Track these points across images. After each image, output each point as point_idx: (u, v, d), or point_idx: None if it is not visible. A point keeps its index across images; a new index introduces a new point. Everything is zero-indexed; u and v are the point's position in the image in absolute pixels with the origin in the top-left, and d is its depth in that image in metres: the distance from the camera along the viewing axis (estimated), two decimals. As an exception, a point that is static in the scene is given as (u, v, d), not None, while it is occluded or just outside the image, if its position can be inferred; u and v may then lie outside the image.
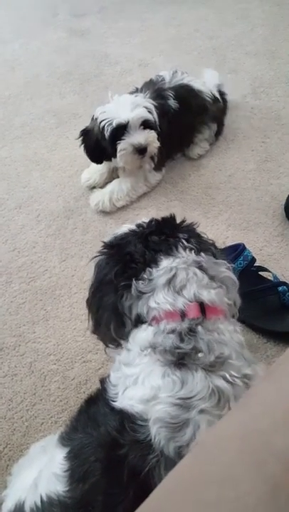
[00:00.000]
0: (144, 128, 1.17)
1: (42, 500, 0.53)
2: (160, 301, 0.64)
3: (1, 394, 0.96)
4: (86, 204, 1.32)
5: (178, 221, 0.76)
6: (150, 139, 1.17)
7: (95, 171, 1.34)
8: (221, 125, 1.43)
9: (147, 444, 0.51)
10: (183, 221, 0.76)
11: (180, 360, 0.57)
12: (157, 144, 1.20)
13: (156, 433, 0.51)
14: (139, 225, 0.75)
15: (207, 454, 0.31)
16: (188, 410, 0.52)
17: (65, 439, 0.58)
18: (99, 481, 0.50)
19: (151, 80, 1.34)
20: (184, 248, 0.69)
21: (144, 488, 0.47)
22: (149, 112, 1.18)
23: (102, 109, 1.19)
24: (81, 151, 1.46)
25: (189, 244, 0.69)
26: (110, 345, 0.73)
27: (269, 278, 1.06)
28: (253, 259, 1.02)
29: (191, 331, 0.59)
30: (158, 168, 1.32)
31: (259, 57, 1.79)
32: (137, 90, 1.30)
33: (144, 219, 0.77)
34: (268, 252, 1.16)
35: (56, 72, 1.80)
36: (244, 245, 1.03)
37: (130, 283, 0.66)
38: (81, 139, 1.24)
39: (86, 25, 2.07)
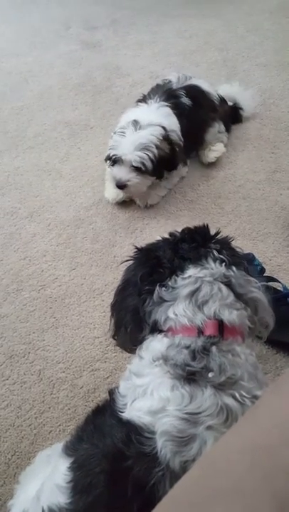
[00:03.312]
0: (136, 170, 1.19)
1: None
2: (179, 312, 0.63)
3: (10, 401, 0.96)
4: (96, 213, 1.33)
5: (212, 232, 0.75)
6: (132, 182, 1.21)
7: (118, 192, 1.32)
8: (228, 125, 1.46)
9: (153, 457, 0.50)
10: (217, 233, 0.75)
11: (190, 375, 0.56)
12: (142, 189, 1.25)
13: (163, 446, 0.51)
14: (171, 234, 0.75)
15: (215, 467, 0.31)
16: (195, 425, 0.52)
17: (69, 449, 0.58)
18: (103, 494, 0.50)
19: (158, 85, 1.37)
20: (214, 260, 0.67)
21: (149, 503, 0.46)
22: (151, 159, 1.18)
23: (121, 130, 1.21)
24: (92, 161, 1.49)
25: (221, 256, 0.68)
26: (128, 350, 0.73)
27: (279, 288, 1.06)
28: (263, 270, 1.02)
29: (205, 350, 0.58)
30: (184, 162, 1.34)
31: (269, 69, 1.80)
32: (144, 98, 1.33)
33: (179, 229, 0.77)
34: (277, 263, 1.15)
35: (68, 84, 1.84)
36: (253, 255, 1.03)
37: (154, 288, 0.66)
38: None
39: (98, 38, 2.11)
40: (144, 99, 1.33)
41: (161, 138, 1.19)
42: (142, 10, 2.30)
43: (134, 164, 1.17)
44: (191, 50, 1.97)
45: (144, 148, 1.17)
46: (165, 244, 0.72)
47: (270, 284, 1.06)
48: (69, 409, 0.93)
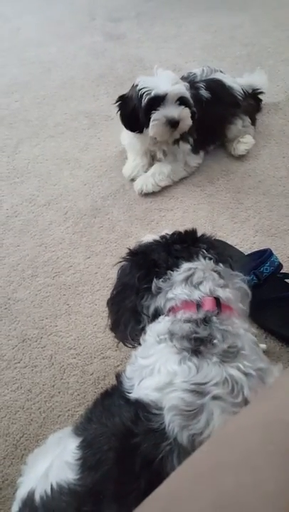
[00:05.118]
0: (180, 104, 1.21)
1: (52, 489, 0.53)
2: (177, 292, 0.67)
3: (21, 384, 0.97)
4: (113, 204, 1.33)
5: (199, 234, 0.80)
6: (183, 114, 1.21)
7: (136, 165, 1.38)
8: (253, 119, 1.45)
9: (161, 433, 0.51)
10: (203, 234, 0.80)
11: (196, 347, 0.58)
12: (190, 121, 1.25)
13: (171, 421, 0.51)
14: (162, 237, 0.79)
15: (227, 442, 0.30)
16: (202, 396, 0.53)
17: (79, 429, 0.59)
18: (111, 470, 0.50)
19: (182, 77, 1.38)
20: (204, 257, 0.73)
21: (156, 478, 0.47)
22: (187, 90, 1.23)
23: (144, 78, 1.24)
24: (111, 152, 1.49)
25: (209, 254, 0.73)
26: (128, 345, 0.76)
27: (295, 286, 1.04)
28: (280, 265, 1.00)
29: (206, 321, 0.61)
30: (196, 151, 1.35)
31: (295, 64, 1.77)
32: None
33: (168, 231, 0.81)
34: (295, 260, 1.13)
35: (91, 75, 1.84)
36: (271, 251, 1.02)
37: (151, 285, 0.70)
38: (118, 104, 1.30)
39: (122, 30, 2.10)
40: None
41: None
42: (167, 3, 2.29)
43: (183, 94, 1.20)
44: (215, 44, 1.95)
45: (178, 81, 1.22)
46: (158, 247, 0.76)
47: (287, 280, 1.05)
48: (78, 394, 0.94)
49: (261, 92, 1.50)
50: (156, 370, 0.57)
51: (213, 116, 1.34)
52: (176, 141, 1.30)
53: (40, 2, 2.43)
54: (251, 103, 1.44)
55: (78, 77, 1.84)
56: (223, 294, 0.66)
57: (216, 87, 1.35)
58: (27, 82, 1.83)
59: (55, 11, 2.34)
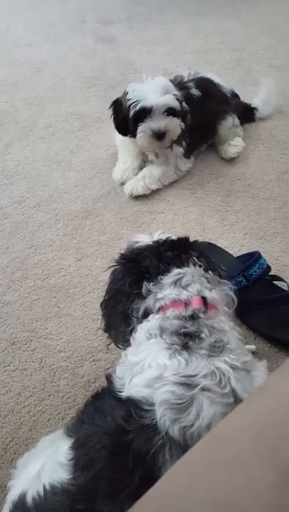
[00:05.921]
0: (168, 115, 1.21)
1: (45, 490, 0.53)
2: (167, 293, 0.70)
3: (10, 388, 0.96)
4: (104, 206, 1.33)
5: (191, 240, 0.83)
6: (170, 126, 1.21)
7: (127, 168, 1.38)
8: (240, 119, 1.47)
9: (153, 428, 0.52)
10: (196, 241, 0.83)
11: (185, 342, 0.60)
12: (178, 131, 1.25)
13: (162, 415, 0.52)
14: (156, 241, 0.81)
15: (219, 442, 0.31)
16: (191, 388, 0.54)
17: (71, 430, 0.59)
18: (104, 468, 0.51)
19: (169, 80, 1.38)
20: (194, 264, 0.75)
21: (149, 472, 0.48)
22: (177, 99, 1.22)
23: (134, 86, 1.24)
24: (102, 154, 1.50)
25: (199, 262, 0.76)
26: (120, 346, 0.78)
27: (284, 288, 1.05)
28: (268, 268, 1.02)
29: (194, 318, 0.64)
30: (187, 155, 1.36)
31: (284, 70, 1.80)
32: None
33: (162, 236, 0.83)
34: (283, 263, 1.15)
35: (81, 77, 1.84)
36: (260, 253, 1.03)
37: (142, 290, 0.72)
38: (112, 108, 1.30)
39: (113, 33, 2.11)
40: None
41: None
42: (158, 7, 2.30)
43: (170, 105, 1.19)
44: (205, 49, 1.97)
45: (168, 90, 1.21)
46: (151, 253, 0.77)
47: (275, 283, 1.06)
48: (69, 397, 0.93)
49: (256, 109, 1.53)
50: (147, 366, 0.58)
51: (206, 113, 1.35)
52: (170, 145, 1.30)
53: (30, 3, 2.42)
54: (239, 103, 1.47)
55: (69, 79, 1.83)
56: (210, 294, 0.70)
57: (206, 84, 1.37)
58: (16, 83, 1.82)
59: (46, 12, 2.33)
